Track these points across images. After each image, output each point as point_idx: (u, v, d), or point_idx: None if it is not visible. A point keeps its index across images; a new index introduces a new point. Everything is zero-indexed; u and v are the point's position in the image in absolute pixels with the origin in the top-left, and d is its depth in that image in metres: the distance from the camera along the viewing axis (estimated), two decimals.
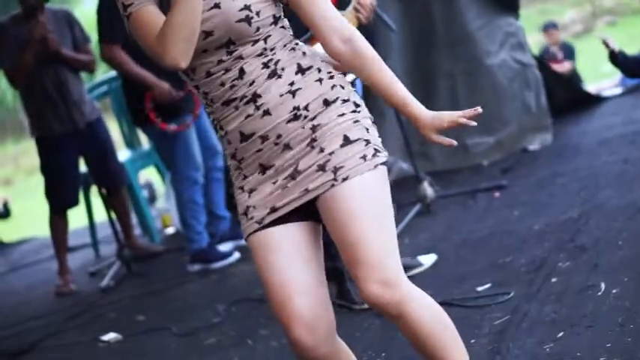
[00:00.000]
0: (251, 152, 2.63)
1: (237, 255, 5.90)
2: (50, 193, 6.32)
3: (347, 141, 2.56)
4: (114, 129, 7.63)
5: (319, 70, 2.64)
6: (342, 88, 2.64)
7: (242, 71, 2.60)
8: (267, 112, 2.59)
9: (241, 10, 2.58)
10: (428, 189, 5.62)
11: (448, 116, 2.60)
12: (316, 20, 2.62)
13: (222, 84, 2.62)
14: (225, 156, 2.77)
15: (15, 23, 6.14)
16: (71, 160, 6.27)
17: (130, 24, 2.66)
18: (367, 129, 2.60)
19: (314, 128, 2.58)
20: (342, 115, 2.59)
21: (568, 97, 7.35)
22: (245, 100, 2.60)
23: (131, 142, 7.48)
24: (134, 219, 7.26)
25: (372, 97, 5.96)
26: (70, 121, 6.15)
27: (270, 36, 2.62)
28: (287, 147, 2.60)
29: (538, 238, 4.57)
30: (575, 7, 13.31)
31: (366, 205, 2.53)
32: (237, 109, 2.61)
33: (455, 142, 2.62)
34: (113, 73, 7.42)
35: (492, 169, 6.33)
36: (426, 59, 6.81)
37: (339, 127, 2.58)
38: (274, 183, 2.62)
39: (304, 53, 2.66)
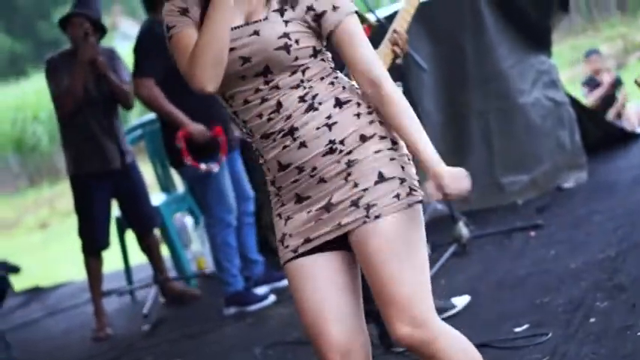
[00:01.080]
0: (288, 182, 2.66)
1: (272, 298, 5.90)
2: (83, 233, 6.35)
3: (381, 178, 2.57)
4: (148, 172, 7.66)
5: (358, 105, 2.64)
6: (381, 124, 2.62)
7: (279, 104, 2.61)
8: (303, 145, 2.61)
9: (280, 37, 2.59)
10: (463, 229, 5.60)
11: (439, 180, 2.50)
12: (348, 61, 2.64)
13: (260, 115, 2.63)
14: (266, 182, 2.78)
15: (64, 58, 6.22)
16: (105, 201, 6.31)
17: (170, 46, 2.70)
18: (403, 167, 2.60)
19: (349, 163, 2.59)
20: (379, 151, 2.60)
21: (602, 135, 7.30)
22: (282, 133, 2.62)
23: (166, 186, 7.51)
24: (169, 262, 7.28)
25: None
26: (108, 161, 6.21)
27: (308, 68, 2.64)
28: (322, 180, 2.62)
29: (575, 277, 4.54)
30: (607, 42, 13.27)
31: (397, 244, 2.55)
32: (275, 141, 2.63)
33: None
34: (148, 116, 7.48)
35: (527, 207, 6.30)
36: (458, 98, 6.80)
37: (375, 164, 2.58)
38: (308, 213, 2.65)
39: (344, 87, 2.66)
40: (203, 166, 5.73)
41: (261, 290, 6.02)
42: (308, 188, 2.64)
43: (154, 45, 5.76)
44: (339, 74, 2.70)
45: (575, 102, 7.13)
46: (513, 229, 5.79)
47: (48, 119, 17.62)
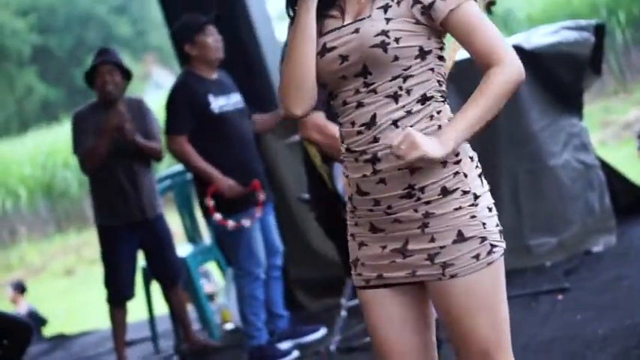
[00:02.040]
0: (364, 208, 2.59)
1: (296, 354, 5.86)
2: (109, 283, 6.36)
3: (461, 237, 2.49)
4: (176, 222, 7.68)
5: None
6: (465, 176, 2.51)
7: (374, 119, 2.51)
8: (382, 181, 2.51)
9: (377, 35, 2.49)
10: None
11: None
12: (469, 47, 2.50)
13: (353, 123, 2.55)
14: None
15: (93, 112, 6.22)
16: (131, 252, 6.32)
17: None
18: (484, 223, 2.51)
19: (427, 215, 2.50)
20: (459, 209, 2.49)
21: (632, 199, 7.26)
22: (365, 157, 2.53)
23: (192, 237, 7.51)
24: (193, 313, 7.26)
25: None
26: (137, 213, 6.23)
27: (411, 76, 2.51)
28: (397, 220, 2.54)
29: (602, 343, 4.49)
30: (639, 105, 13.22)
31: (474, 302, 2.51)
32: (357, 162, 2.56)
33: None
34: (177, 167, 7.50)
35: (555, 270, 6.25)
36: (488, 158, 6.75)
37: (454, 222, 2.49)
38: (383, 248, 2.58)
39: (439, 127, 2.51)
40: (231, 224, 5.73)
41: (284, 345, 5.99)
42: (382, 222, 2.56)
43: (186, 100, 5.80)
44: (445, 105, 2.57)
45: (605, 165, 7.10)
46: (540, 292, 5.74)
47: (78, 166, 17.72)
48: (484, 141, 6.89)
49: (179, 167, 7.32)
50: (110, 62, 6.18)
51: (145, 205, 6.25)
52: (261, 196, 5.80)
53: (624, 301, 5.13)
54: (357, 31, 2.53)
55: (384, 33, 2.49)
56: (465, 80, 6.71)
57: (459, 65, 6.52)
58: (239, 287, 5.93)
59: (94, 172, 6.20)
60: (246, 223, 5.76)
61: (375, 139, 2.50)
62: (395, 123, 2.49)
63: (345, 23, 2.58)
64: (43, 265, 16.56)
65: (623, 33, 14.26)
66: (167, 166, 14.64)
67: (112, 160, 6.13)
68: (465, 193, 2.50)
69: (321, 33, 2.61)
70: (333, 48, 2.56)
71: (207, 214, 5.88)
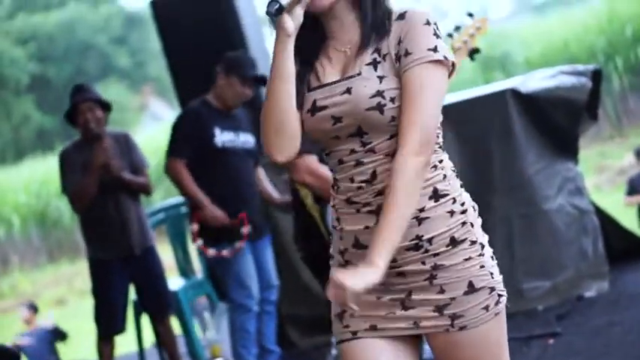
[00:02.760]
0: (362, 262, 2.41)
1: None
2: (99, 317, 6.32)
3: (471, 288, 2.44)
4: (169, 256, 7.66)
5: (454, 201, 2.46)
6: (472, 226, 2.47)
7: (374, 175, 2.43)
8: None
9: (373, 96, 2.40)
10: None
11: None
12: (401, 113, 2.40)
13: (352, 179, 2.46)
14: (332, 246, 2.60)
15: (78, 149, 6.22)
16: (123, 286, 6.28)
17: None
18: (492, 273, 2.48)
19: (436, 267, 2.43)
20: (469, 259, 2.44)
21: (626, 245, 7.25)
22: (368, 209, 2.45)
23: (185, 271, 7.49)
24: (183, 347, 7.23)
25: None
26: (128, 247, 6.20)
27: None
28: (401, 274, 2.46)
29: None
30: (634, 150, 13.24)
31: (482, 352, 2.48)
32: (358, 213, 2.47)
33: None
34: (171, 200, 7.50)
35: (547, 314, 6.23)
36: (483, 200, 6.68)
37: (465, 272, 2.43)
38: (379, 299, 2.49)
39: (445, 176, 2.46)
40: (211, 252, 5.75)
41: None
42: (383, 276, 2.38)
43: (192, 127, 5.84)
44: (444, 153, 2.51)
45: (599, 210, 7.10)
46: (532, 336, 5.72)
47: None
48: (479, 183, 6.89)
49: (173, 200, 7.32)
50: (89, 99, 6.18)
51: (135, 239, 6.22)
52: (245, 230, 5.81)
53: (616, 347, 5.12)
54: (349, 91, 2.43)
55: (380, 94, 2.40)
56: (462, 125, 6.76)
57: (456, 108, 6.59)
58: (231, 319, 5.93)
59: (84, 210, 6.20)
60: (225, 253, 5.76)
61: (380, 193, 2.43)
62: (377, 177, 2.45)
63: (334, 80, 2.48)
64: (34, 295, 16.49)
65: (620, 78, 14.32)
66: (162, 198, 14.63)
67: (101, 194, 6.12)
68: (473, 243, 2.47)
69: (308, 84, 2.51)
70: (324, 107, 2.47)
71: (194, 240, 5.91)
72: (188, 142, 5.84)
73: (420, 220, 2.42)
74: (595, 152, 13.20)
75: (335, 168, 2.52)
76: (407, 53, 2.41)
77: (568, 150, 6.86)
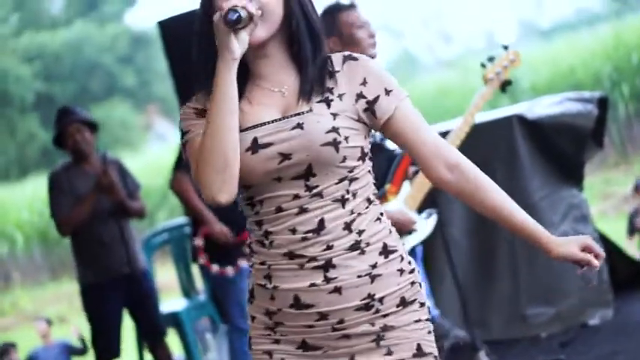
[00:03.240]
0: (298, 324, 2.32)
1: None
2: (96, 343, 6.29)
3: (420, 352, 2.33)
4: (172, 276, 7.64)
5: (402, 258, 2.35)
6: (420, 286, 2.37)
7: (322, 224, 2.25)
8: (337, 290, 2.26)
9: (329, 132, 2.26)
10: (484, 359, 5.51)
11: (576, 247, 2.40)
12: (416, 148, 2.35)
13: (293, 230, 2.26)
14: (249, 303, 2.43)
15: (68, 172, 6.23)
16: (117, 310, 6.26)
17: (185, 154, 2.37)
18: (436, 339, 2.39)
19: (385, 328, 2.31)
20: (418, 321, 2.34)
21: (631, 273, 7.22)
22: (315, 264, 2.26)
23: (188, 292, 7.47)
24: None
25: (431, 260, 5.94)
26: (122, 266, 6.18)
27: (356, 179, 2.31)
28: (345, 336, 2.31)
29: None
30: None
31: None
32: (301, 269, 2.27)
33: (594, 282, 2.40)
34: (175, 221, 7.49)
35: (551, 341, 6.20)
36: (487, 226, 6.74)
37: (414, 335, 2.32)
38: None
39: (390, 231, 2.36)
40: (215, 268, 5.74)
41: None
42: (323, 339, 2.30)
43: None
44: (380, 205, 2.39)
45: (604, 238, 7.08)
46: None
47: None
48: None
49: (177, 221, 7.30)
50: (75, 121, 6.18)
51: (130, 259, 6.20)
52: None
53: None
54: (300, 126, 2.28)
55: (335, 130, 2.27)
56: (468, 149, 6.72)
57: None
58: (230, 341, 5.91)
59: (69, 234, 6.18)
60: (229, 271, 5.76)
61: (329, 246, 2.26)
62: (348, 227, 2.28)
63: (276, 117, 2.32)
64: (35, 313, 16.45)
65: (626, 105, 14.31)
66: (165, 218, 14.61)
67: (97, 214, 6.11)
68: (422, 305, 2.37)
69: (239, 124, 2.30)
70: (269, 144, 2.27)
71: (195, 255, 5.89)
72: None
73: (372, 278, 2.29)
74: (600, 179, 13.18)
75: (265, 218, 2.31)
76: (388, 91, 2.35)
77: (573, 177, 6.85)
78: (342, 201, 2.29)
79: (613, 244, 7.31)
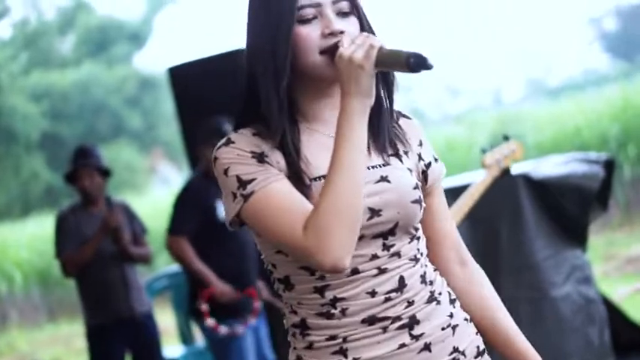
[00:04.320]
0: None
1: None
2: None
3: None
4: (171, 322, 7.60)
5: (462, 307, 2.25)
6: (481, 335, 2.29)
7: (402, 282, 2.09)
8: (427, 348, 2.10)
9: (415, 188, 2.13)
10: None
11: None
12: (437, 229, 2.26)
13: (373, 293, 2.06)
14: None
15: (75, 213, 6.26)
16: (120, 352, 6.24)
17: (250, 206, 2.01)
18: None
19: None
20: None
21: (633, 337, 7.18)
22: (399, 323, 2.09)
23: (186, 338, 7.43)
24: None
25: None
26: (127, 309, 6.17)
27: (421, 237, 2.20)
28: None
29: None
30: None
31: None
32: (386, 333, 2.08)
33: None
34: (175, 267, 7.46)
35: None
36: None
37: None
38: None
39: (443, 280, 2.25)
40: (223, 330, 5.69)
41: None
42: None
43: (193, 204, 5.83)
44: None
45: (606, 300, 7.04)
46: None
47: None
48: (486, 263, 6.84)
49: (177, 267, 7.27)
50: (89, 165, 6.20)
51: (134, 302, 6.20)
52: (257, 304, 5.77)
53: None
54: (384, 179, 2.10)
55: (417, 187, 2.14)
56: (473, 206, 6.72)
57: (464, 189, 6.56)
58: None
59: (74, 275, 6.19)
60: (239, 330, 5.72)
61: (410, 302, 2.10)
62: (423, 280, 2.15)
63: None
64: (31, 354, 16.37)
65: (632, 167, 14.30)
66: (166, 263, 14.56)
67: (101, 257, 6.12)
68: (488, 353, 2.29)
69: (306, 174, 2.08)
70: None
71: (199, 317, 5.85)
72: (189, 219, 5.83)
73: (453, 329, 2.18)
74: (603, 240, 13.14)
75: (335, 283, 2.07)
76: (436, 159, 2.27)
77: (577, 238, 6.82)
78: (416, 260, 2.15)
79: (615, 307, 7.27)
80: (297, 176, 2.05)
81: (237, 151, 2.06)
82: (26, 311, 18.99)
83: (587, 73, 30.66)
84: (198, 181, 5.92)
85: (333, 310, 2.07)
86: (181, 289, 7.28)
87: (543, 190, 6.58)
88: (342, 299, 2.06)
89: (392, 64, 2.01)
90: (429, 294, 2.14)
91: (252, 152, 2.05)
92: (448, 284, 2.26)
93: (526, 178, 6.60)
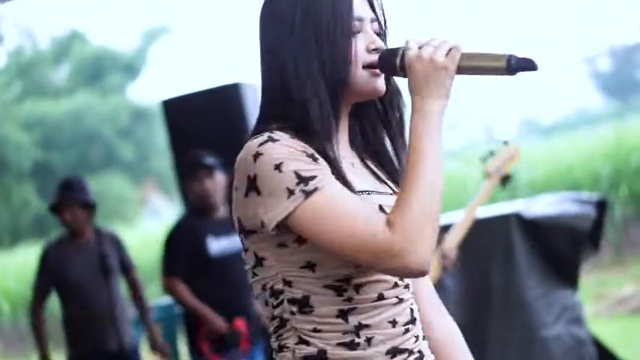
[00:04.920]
0: None
1: None
2: None
3: None
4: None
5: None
6: None
7: (412, 314, 2.07)
8: None
9: None
10: None
11: None
12: (421, 294, 2.25)
13: (394, 322, 2.01)
14: None
15: (60, 246, 6.27)
16: None
17: (311, 204, 1.89)
18: None
19: None
20: None
21: None
22: (414, 357, 2.06)
23: None
24: None
25: None
26: (110, 345, 6.14)
27: None
28: None
29: None
30: (634, 281, 13.18)
31: None
32: None
33: None
34: (164, 299, 7.43)
35: None
36: (479, 322, 6.69)
37: None
38: None
39: None
40: None
41: None
42: None
43: (184, 243, 5.87)
44: None
45: (597, 341, 7.02)
46: None
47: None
48: (476, 304, 6.83)
49: (167, 300, 7.24)
50: (71, 199, 6.20)
51: (120, 335, 6.17)
52: (245, 336, 5.78)
53: None
54: None
55: None
56: (464, 244, 6.71)
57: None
58: None
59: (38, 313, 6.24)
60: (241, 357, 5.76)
61: (416, 337, 2.06)
62: (414, 316, 2.10)
63: (371, 188, 2.07)
64: None
65: (624, 207, 14.31)
66: (156, 295, 14.48)
67: (87, 290, 6.11)
68: None
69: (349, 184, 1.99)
70: None
71: (201, 355, 5.87)
72: (182, 259, 5.89)
73: None
74: (595, 280, 13.12)
75: (361, 307, 1.98)
76: None
77: (569, 278, 6.81)
78: (413, 295, 2.09)
79: (605, 348, 7.25)
80: (345, 184, 1.97)
81: (289, 148, 1.93)
82: (13, 341, 18.87)
83: (580, 112, 30.77)
84: (189, 218, 6.00)
85: (357, 339, 1.96)
86: (170, 322, 7.25)
87: (535, 229, 6.58)
88: (367, 326, 1.97)
89: (482, 67, 2.00)
90: (421, 330, 2.10)
91: (303, 151, 1.94)
92: (425, 332, 2.18)
93: (518, 217, 6.60)
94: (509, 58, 1.96)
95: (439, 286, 5.55)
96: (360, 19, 2.07)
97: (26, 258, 20.44)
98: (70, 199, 6.17)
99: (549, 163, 15.86)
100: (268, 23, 2.08)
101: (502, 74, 1.98)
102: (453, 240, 4.90)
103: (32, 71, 29.17)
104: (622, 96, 29.68)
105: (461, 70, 1.99)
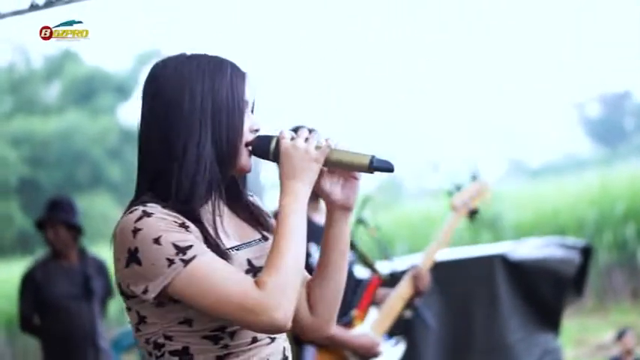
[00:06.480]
0: None
1: None
2: None
3: None
4: None
5: None
6: None
7: (284, 353, 2.24)
8: None
9: None
10: None
11: None
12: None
13: None
14: None
15: (44, 267, 6.25)
16: None
17: (189, 272, 2.07)
18: None
19: None
20: None
21: None
22: None
23: None
24: None
25: None
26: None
27: None
28: None
29: None
30: (616, 328, 13.20)
31: None
32: None
33: None
34: None
35: None
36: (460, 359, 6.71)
37: None
38: None
39: None
40: None
41: None
42: None
43: None
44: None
45: None
46: None
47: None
48: (457, 344, 6.83)
49: None
50: (56, 219, 6.19)
51: (102, 357, 6.15)
52: None
53: None
54: (265, 238, 2.33)
55: None
56: (448, 284, 6.71)
57: (445, 266, 6.55)
58: None
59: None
60: None
61: None
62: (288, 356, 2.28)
63: (257, 237, 2.31)
64: None
65: (608, 254, 14.33)
66: None
67: (71, 307, 6.08)
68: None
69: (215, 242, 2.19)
70: (262, 268, 2.16)
71: None
72: None
73: None
74: (576, 325, 13.12)
75: (236, 351, 2.17)
76: None
77: (551, 322, 6.83)
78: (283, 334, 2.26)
79: None
80: (216, 247, 2.16)
81: (164, 220, 2.13)
82: None
83: (568, 157, 30.84)
84: None
85: None
86: None
87: (520, 272, 6.60)
88: None
89: (348, 163, 2.24)
90: None
91: (175, 222, 2.14)
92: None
93: (503, 259, 6.62)
94: (372, 158, 2.22)
95: (419, 323, 5.56)
96: (245, 102, 2.27)
97: (9, 273, 20.34)
98: (56, 218, 6.16)
99: (535, 206, 15.88)
100: (154, 100, 2.27)
101: (364, 172, 2.25)
102: (425, 263, 4.95)
103: (23, 88, 29.13)
104: (610, 143, 29.78)
105: (327, 163, 2.24)
